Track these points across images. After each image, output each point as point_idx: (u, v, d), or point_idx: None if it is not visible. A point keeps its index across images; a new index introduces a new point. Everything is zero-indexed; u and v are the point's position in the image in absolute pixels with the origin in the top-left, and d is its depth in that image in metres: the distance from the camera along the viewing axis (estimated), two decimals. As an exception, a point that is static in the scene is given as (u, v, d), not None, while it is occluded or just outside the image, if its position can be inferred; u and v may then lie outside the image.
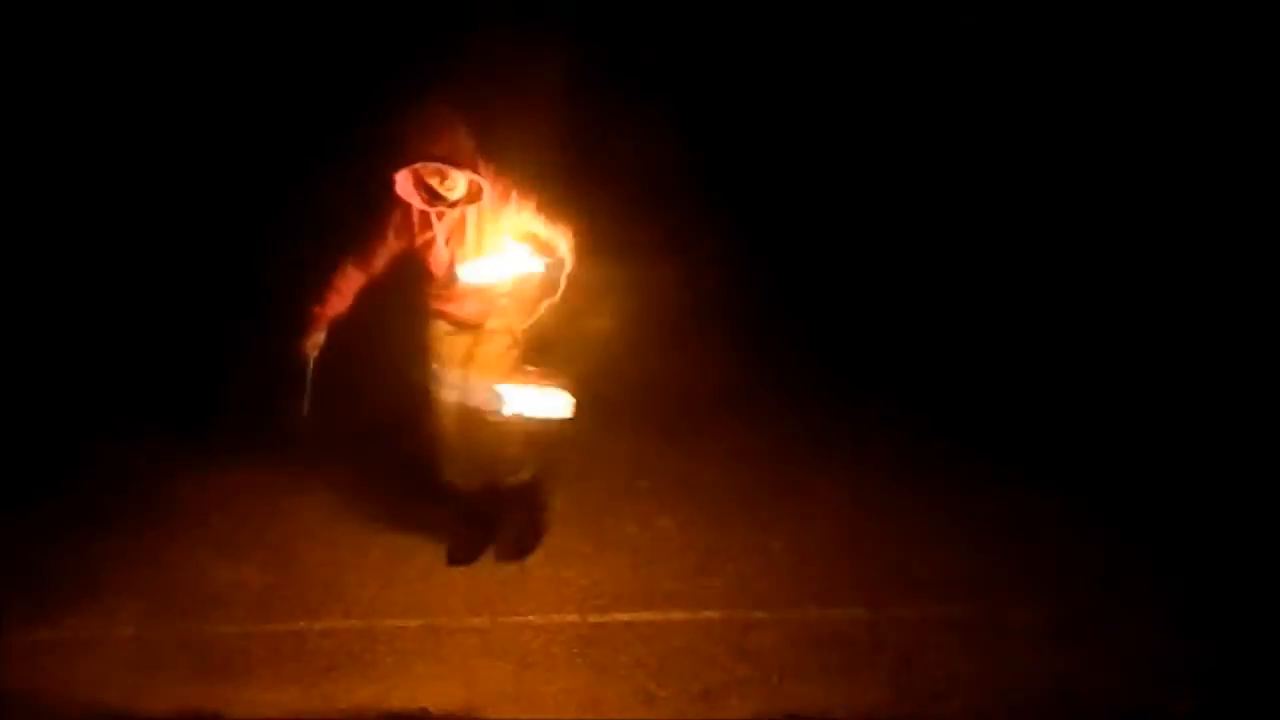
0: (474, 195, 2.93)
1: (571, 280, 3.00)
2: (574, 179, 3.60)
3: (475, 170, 2.88)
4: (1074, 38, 4.77)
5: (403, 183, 2.90)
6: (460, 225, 2.99)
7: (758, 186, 4.99)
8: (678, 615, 3.00)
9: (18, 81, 4.63)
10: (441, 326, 3.12)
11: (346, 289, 3.05)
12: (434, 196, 2.92)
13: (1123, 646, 2.81)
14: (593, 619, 2.99)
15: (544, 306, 3.03)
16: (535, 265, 2.94)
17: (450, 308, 3.09)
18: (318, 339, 3.06)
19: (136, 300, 4.67)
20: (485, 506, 3.28)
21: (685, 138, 4.77)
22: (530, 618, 3.00)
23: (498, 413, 3.00)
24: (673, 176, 4.71)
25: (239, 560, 3.27)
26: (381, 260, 3.05)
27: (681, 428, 4.23)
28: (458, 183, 2.90)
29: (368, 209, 3.04)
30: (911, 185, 5.04)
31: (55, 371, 4.35)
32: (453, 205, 2.94)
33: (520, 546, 3.31)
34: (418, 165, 2.85)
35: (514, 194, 2.96)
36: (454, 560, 3.26)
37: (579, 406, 3.00)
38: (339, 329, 3.09)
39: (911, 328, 4.72)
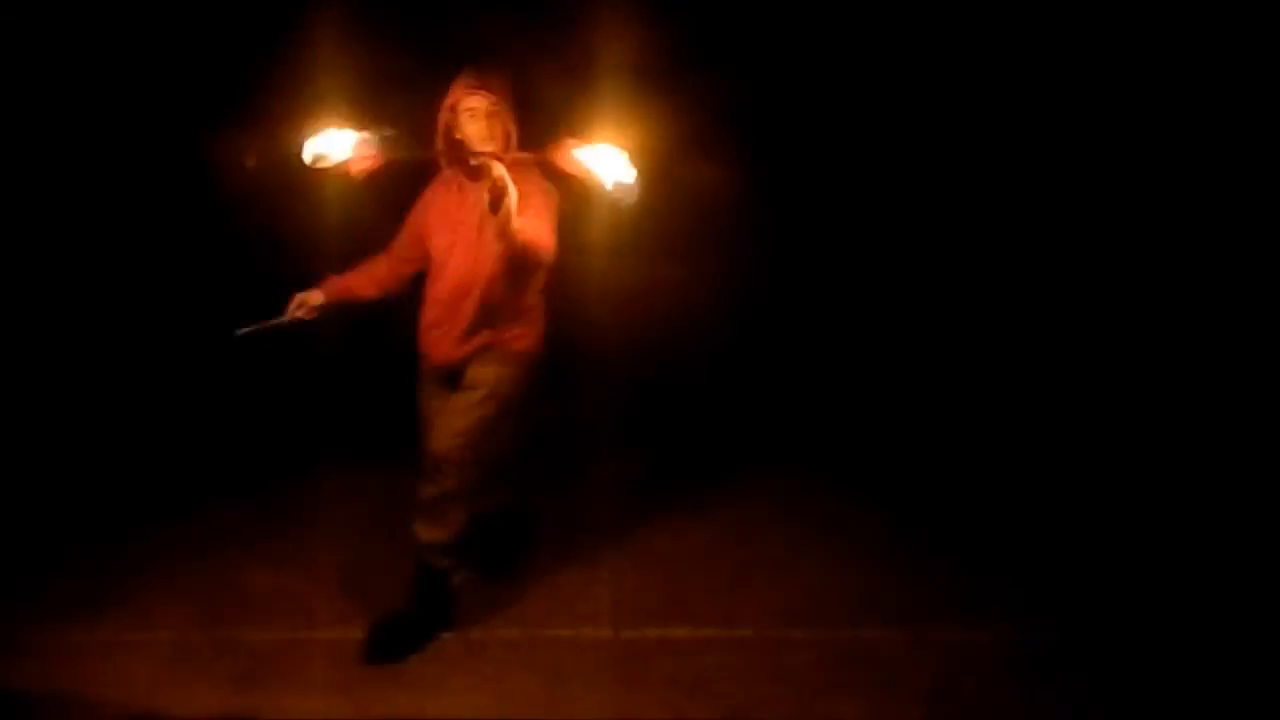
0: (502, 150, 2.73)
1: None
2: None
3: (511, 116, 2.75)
4: (1074, 38, 4.70)
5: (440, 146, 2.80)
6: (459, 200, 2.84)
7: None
8: (710, 632, 3.00)
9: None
10: None
11: (374, 272, 2.99)
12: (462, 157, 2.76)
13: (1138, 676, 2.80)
14: (625, 634, 2.99)
15: None
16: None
17: None
18: (316, 298, 2.94)
19: (180, 316, 4.72)
20: (505, 517, 3.28)
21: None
22: (562, 631, 3.00)
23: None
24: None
25: (276, 568, 3.31)
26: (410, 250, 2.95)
27: (713, 442, 4.24)
28: (493, 126, 2.73)
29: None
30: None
31: (97, 381, 4.43)
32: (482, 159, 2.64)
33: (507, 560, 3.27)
34: (454, 101, 2.73)
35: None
36: (490, 572, 3.27)
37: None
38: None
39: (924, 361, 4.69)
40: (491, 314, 2.83)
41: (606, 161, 2.58)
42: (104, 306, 4.61)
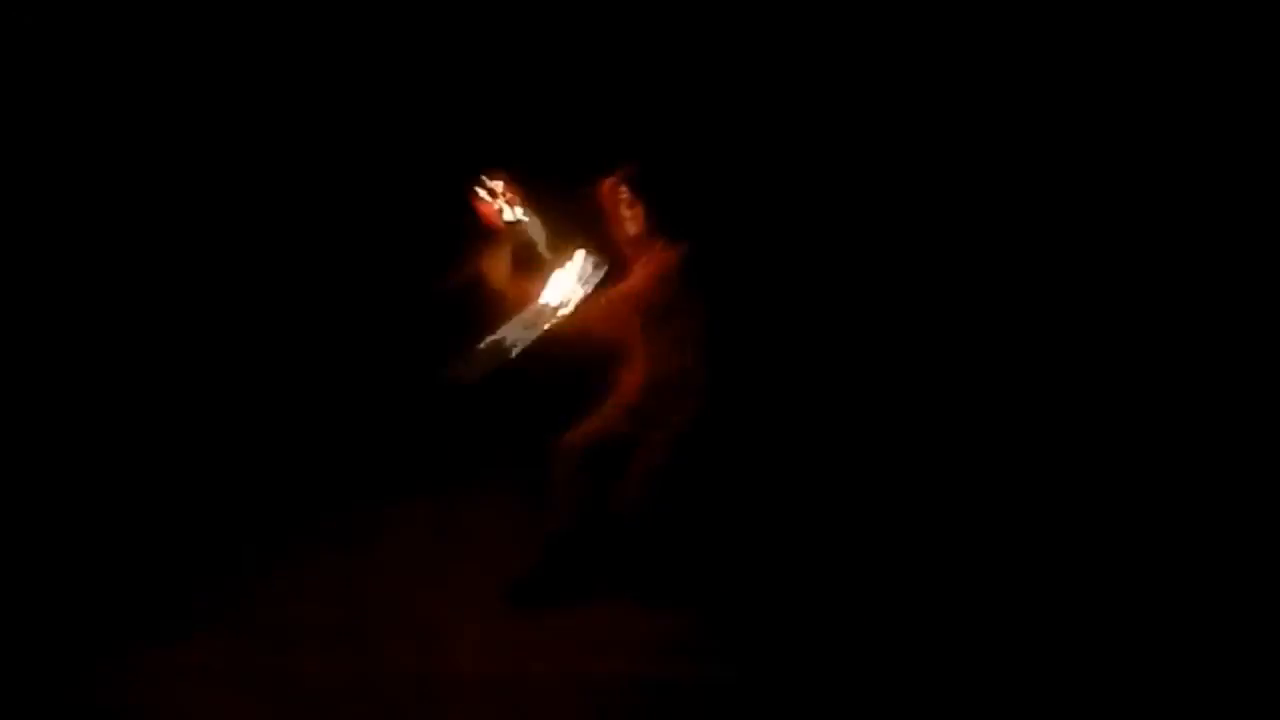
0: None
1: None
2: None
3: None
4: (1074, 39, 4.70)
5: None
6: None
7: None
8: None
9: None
10: None
11: None
12: None
13: None
14: (678, 670, 2.97)
15: None
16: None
17: None
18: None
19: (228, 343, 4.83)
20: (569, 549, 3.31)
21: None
22: (605, 669, 2.99)
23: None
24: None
25: (329, 598, 3.36)
26: None
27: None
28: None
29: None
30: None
31: (149, 406, 4.53)
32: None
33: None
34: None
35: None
36: (518, 601, 3.29)
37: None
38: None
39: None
40: None
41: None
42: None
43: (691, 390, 3.23)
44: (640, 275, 3.24)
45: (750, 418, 3.53)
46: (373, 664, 2.99)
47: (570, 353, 3.17)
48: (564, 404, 3.43)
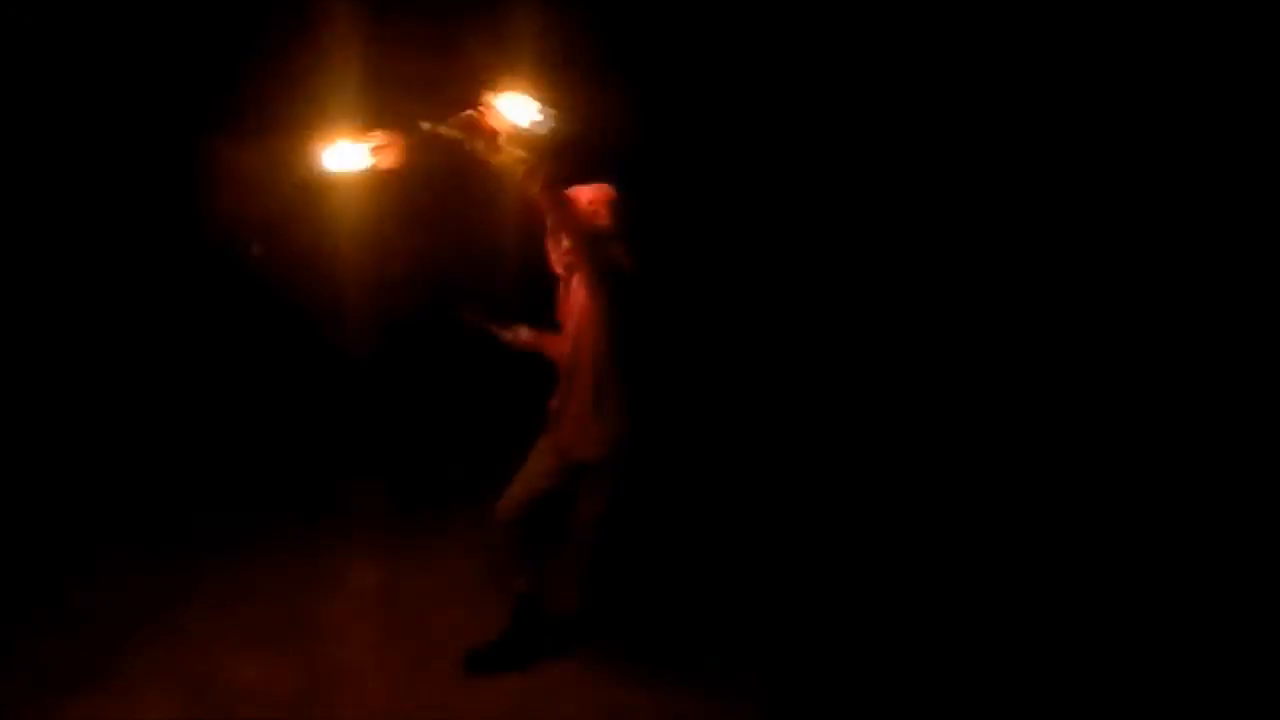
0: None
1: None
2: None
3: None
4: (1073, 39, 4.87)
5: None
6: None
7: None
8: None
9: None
10: None
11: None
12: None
13: None
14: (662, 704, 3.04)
15: None
16: None
17: None
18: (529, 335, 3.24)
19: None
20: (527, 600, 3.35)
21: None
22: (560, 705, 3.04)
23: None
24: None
25: (269, 658, 3.31)
26: None
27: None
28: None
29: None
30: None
31: (81, 452, 4.44)
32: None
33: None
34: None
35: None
36: (472, 666, 3.29)
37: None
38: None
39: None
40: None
41: (517, 107, 2.82)
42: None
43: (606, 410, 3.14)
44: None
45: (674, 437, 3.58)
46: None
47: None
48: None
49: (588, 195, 3.11)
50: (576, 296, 3.11)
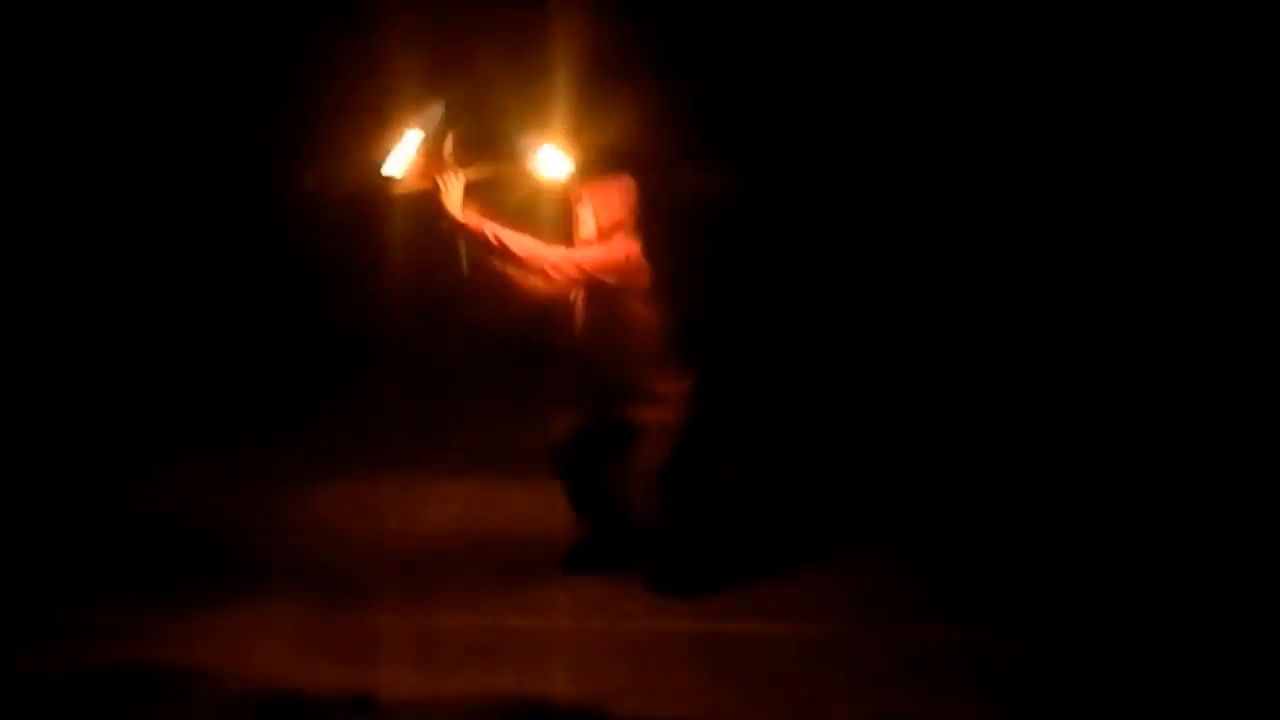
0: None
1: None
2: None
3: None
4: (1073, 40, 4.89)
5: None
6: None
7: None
8: (779, 627, 3.24)
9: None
10: None
11: None
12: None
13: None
14: (703, 627, 3.24)
15: None
16: None
17: None
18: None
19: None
20: (603, 519, 3.55)
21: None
22: (645, 623, 3.26)
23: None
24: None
25: (381, 562, 3.61)
26: None
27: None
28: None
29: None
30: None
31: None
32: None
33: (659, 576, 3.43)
34: None
35: None
36: (569, 567, 3.55)
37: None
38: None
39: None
40: None
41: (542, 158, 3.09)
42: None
43: (666, 359, 3.30)
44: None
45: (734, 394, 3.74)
46: (431, 621, 3.26)
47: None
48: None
49: (606, 188, 3.28)
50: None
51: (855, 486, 4.17)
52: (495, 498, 4.11)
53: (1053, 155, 4.98)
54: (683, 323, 3.33)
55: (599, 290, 3.23)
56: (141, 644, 3.09)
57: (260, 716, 2.78)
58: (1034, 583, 3.46)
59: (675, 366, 3.32)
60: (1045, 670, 3.01)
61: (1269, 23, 4.49)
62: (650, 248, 3.27)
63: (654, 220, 3.30)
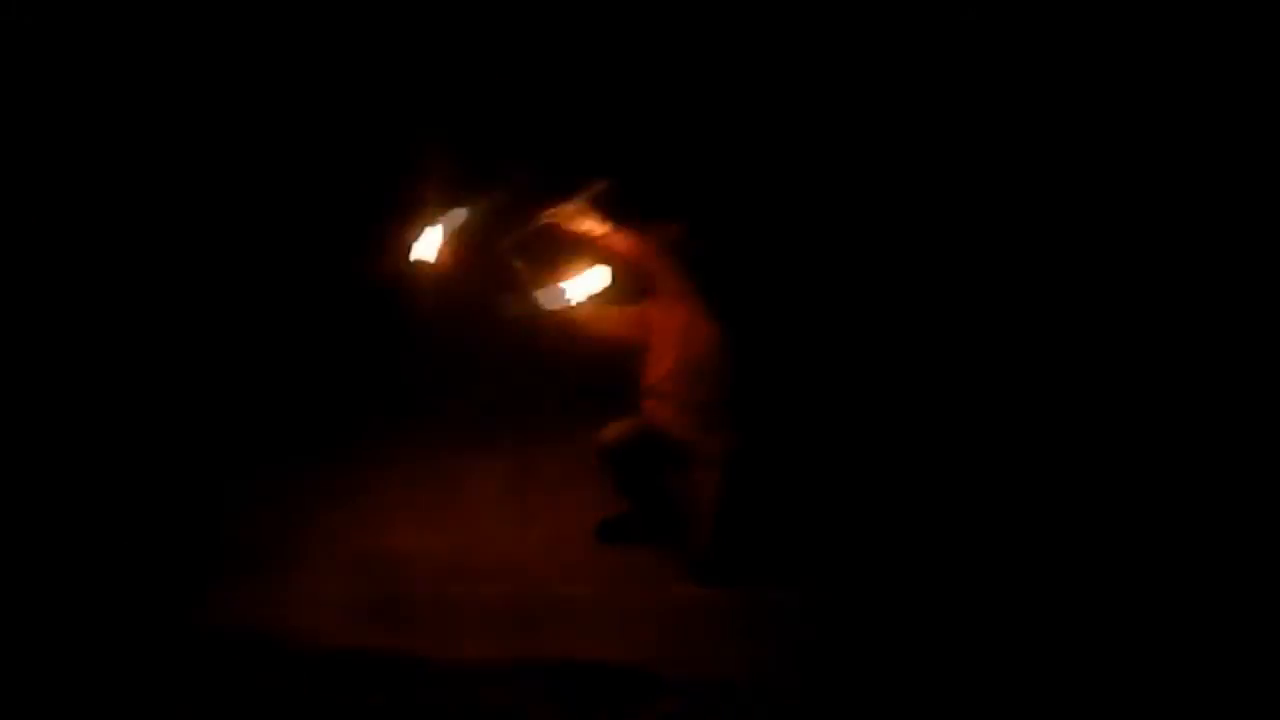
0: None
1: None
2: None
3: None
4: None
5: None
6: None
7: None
8: (826, 595, 3.30)
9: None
10: None
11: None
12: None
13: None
14: (747, 595, 3.30)
15: None
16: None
17: None
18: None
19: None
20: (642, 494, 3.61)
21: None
22: (691, 590, 3.33)
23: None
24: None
25: (425, 531, 3.71)
26: None
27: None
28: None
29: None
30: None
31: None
32: None
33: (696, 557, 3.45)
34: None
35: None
36: (603, 537, 3.65)
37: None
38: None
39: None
40: None
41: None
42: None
43: (715, 379, 3.42)
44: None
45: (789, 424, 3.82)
46: (476, 589, 3.35)
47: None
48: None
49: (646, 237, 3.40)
50: (675, 314, 3.42)
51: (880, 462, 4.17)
52: (538, 473, 4.18)
53: (1053, 163, 4.98)
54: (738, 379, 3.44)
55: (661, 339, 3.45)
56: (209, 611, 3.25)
57: (321, 675, 2.88)
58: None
59: (728, 423, 3.41)
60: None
61: (1269, 23, 4.45)
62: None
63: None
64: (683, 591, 3.33)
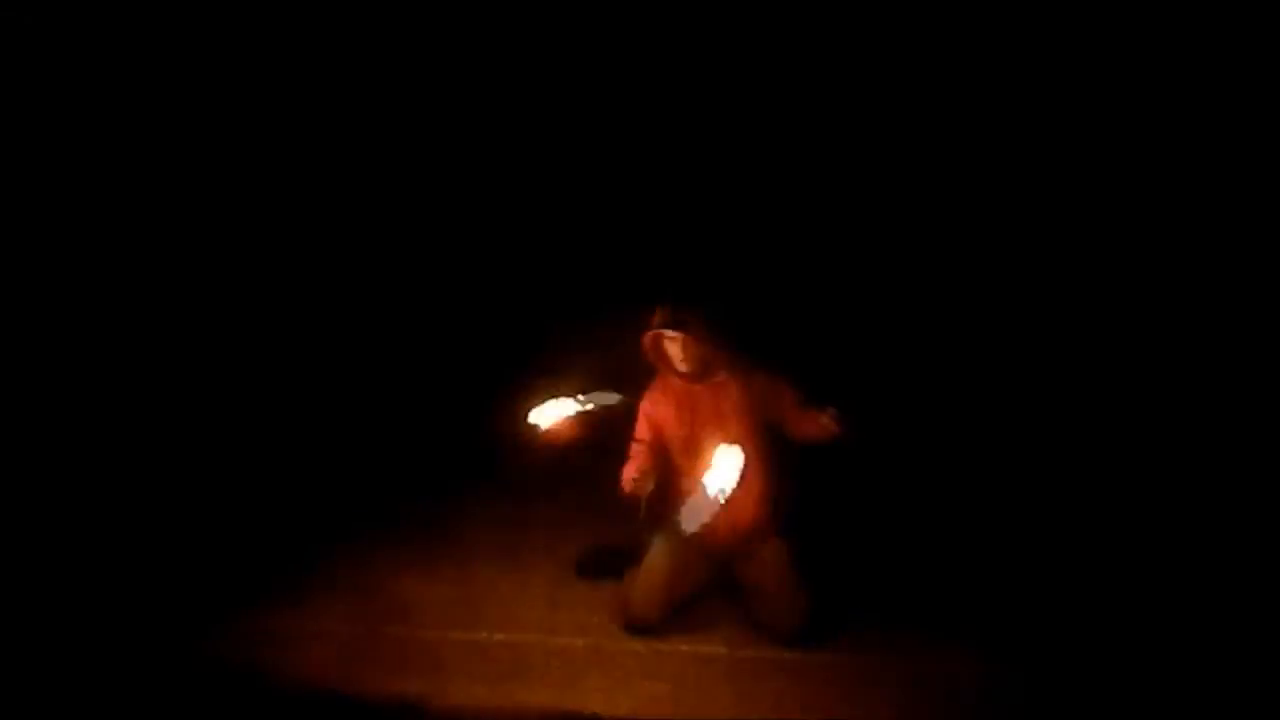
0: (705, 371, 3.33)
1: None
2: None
3: (708, 345, 3.28)
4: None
5: (648, 344, 3.35)
6: (689, 400, 3.36)
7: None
8: (817, 657, 3.33)
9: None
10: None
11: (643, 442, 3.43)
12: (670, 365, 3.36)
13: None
14: (739, 653, 3.34)
15: None
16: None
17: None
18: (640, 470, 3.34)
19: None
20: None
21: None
22: (682, 646, 3.36)
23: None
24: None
25: (429, 575, 3.76)
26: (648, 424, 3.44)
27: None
28: (689, 353, 3.29)
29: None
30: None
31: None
32: (683, 376, 3.34)
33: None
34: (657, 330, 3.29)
35: (758, 382, 3.32)
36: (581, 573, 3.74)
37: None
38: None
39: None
40: None
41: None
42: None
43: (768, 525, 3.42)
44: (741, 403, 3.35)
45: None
46: (476, 635, 3.40)
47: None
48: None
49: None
50: (715, 405, 3.34)
51: (881, 520, 4.22)
52: (538, 519, 4.24)
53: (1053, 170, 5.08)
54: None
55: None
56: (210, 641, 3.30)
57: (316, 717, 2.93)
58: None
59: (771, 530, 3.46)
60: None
61: (1269, 23, 4.53)
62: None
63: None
64: (677, 648, 3.36)
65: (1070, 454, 4.44)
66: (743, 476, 3.12)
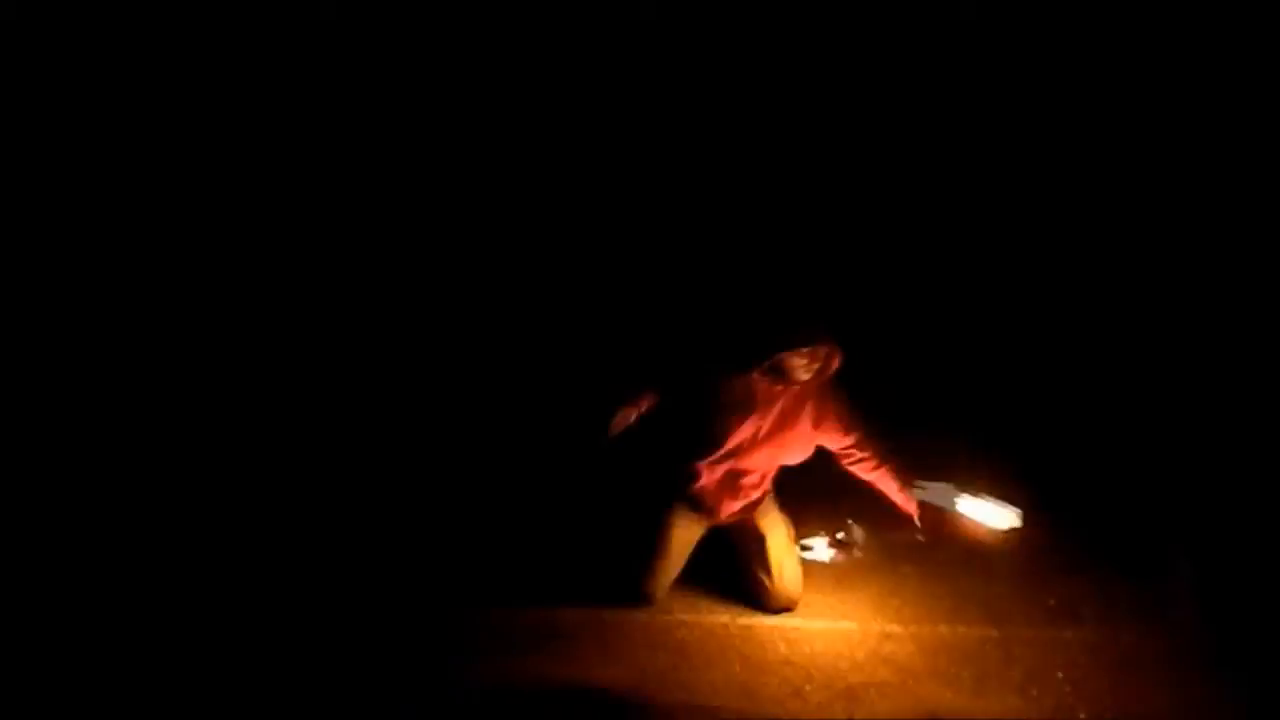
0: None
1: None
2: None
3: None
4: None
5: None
6: (769, 397, 3.25)
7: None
8: (818, 624, 3.33)
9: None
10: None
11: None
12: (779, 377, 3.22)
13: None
14: (741, 620, 3.33)
15: None
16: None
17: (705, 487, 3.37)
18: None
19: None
20: None
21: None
22: (685, 616, 3.35)
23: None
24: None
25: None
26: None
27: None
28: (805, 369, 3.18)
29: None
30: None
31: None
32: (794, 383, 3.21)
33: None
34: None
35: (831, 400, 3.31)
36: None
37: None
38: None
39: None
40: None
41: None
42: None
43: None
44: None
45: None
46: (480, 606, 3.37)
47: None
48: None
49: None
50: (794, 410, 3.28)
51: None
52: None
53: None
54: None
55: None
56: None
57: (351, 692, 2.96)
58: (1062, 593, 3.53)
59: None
60: (1074, 672, 3.10)
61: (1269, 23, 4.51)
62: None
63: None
64: (687, 619, 3.34)
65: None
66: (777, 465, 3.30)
